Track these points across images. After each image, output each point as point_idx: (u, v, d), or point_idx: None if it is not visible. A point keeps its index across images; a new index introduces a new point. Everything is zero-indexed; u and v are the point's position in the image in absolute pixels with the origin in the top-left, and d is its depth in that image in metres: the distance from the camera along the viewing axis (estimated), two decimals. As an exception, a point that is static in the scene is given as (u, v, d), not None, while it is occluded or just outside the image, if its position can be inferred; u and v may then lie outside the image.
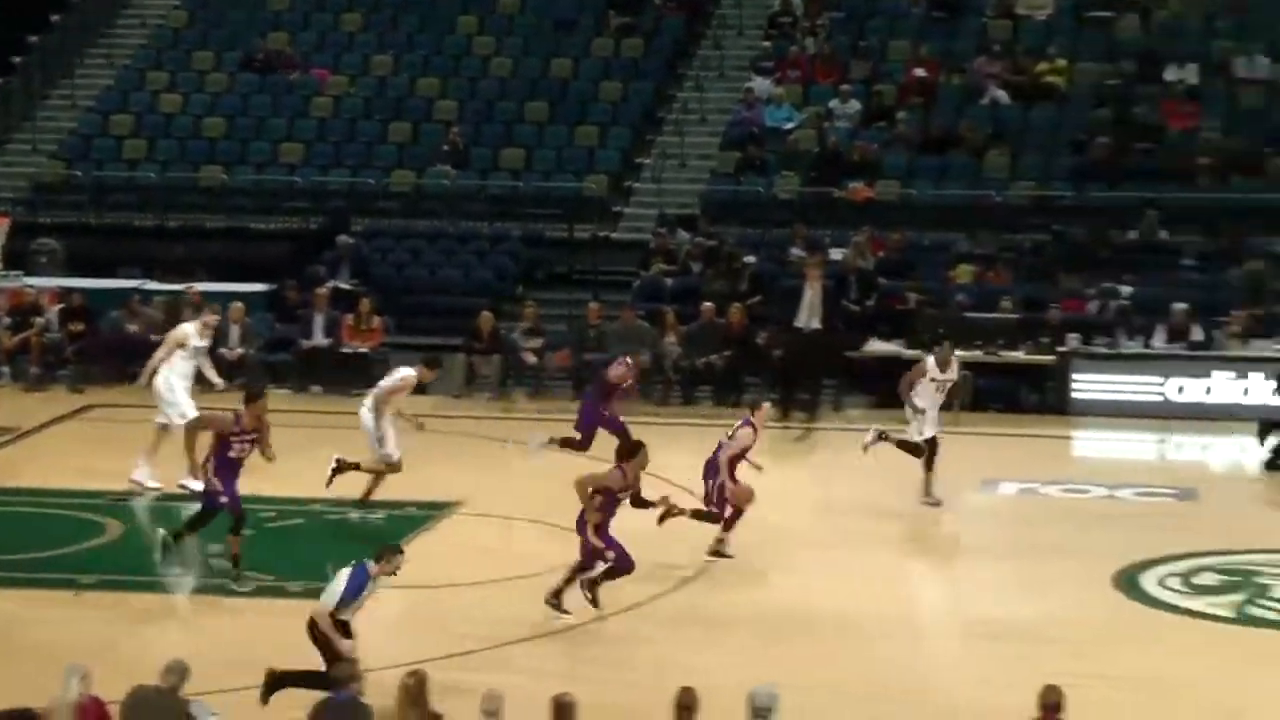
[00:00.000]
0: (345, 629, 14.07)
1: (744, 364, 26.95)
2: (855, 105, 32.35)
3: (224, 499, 17.65)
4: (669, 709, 12.02)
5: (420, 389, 21.07)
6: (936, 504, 20.79)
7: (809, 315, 26.49)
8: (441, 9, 35.39)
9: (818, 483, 22.53)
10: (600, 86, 33.65)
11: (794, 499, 20.85)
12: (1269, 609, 17.57)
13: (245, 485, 17.89)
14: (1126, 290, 27.70)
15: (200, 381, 22.06)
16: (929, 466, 20.84)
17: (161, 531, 18.16)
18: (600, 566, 16.83)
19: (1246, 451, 24.04)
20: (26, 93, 34.86)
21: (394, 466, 20.16)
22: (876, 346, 27.00)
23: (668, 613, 17.13)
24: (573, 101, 33.46)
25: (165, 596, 18.02)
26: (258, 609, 17.14)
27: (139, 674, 12.61)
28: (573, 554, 16.90)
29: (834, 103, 32.41)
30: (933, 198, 30.74)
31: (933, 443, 20.87)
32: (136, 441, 21.21)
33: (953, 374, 21.40)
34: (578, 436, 20.72)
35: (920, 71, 32.63)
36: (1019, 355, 26.64)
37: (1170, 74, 31.97)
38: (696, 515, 18.78)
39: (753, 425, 18.98)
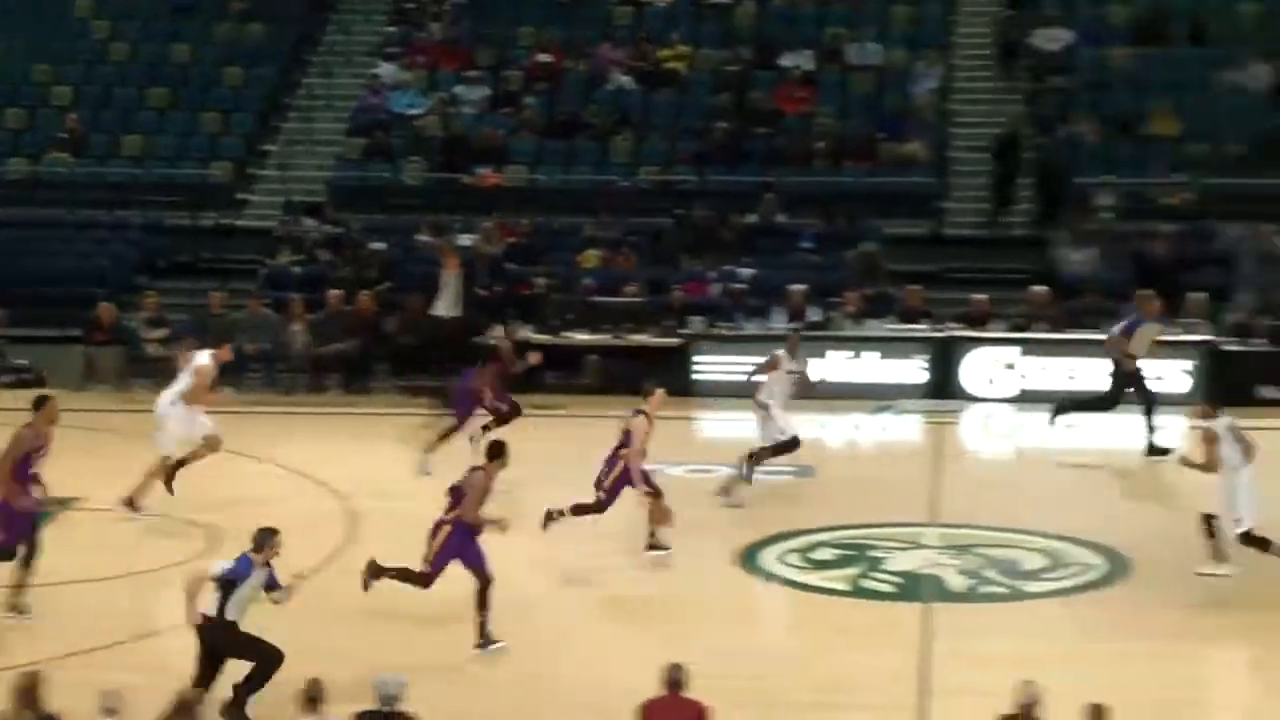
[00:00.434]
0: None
1: (372, 351, 26.91)
2: (481, 91, 32.48)
3: None
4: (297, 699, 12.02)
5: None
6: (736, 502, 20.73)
7: (450, 303, 26.59)
8: (57, -9, 34.56)
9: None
10: (223, 72, 33.18)
11: (423, 483, 20.84)
12: (882, 581, 18.19)
13: None
14: (746, 273, 28.36)
15: None
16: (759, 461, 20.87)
17: None
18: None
19: (860, 429, 24.82)
20: None
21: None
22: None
23: (298, 601, 17.00)
24: (195, 87, 32.94)
25: None
26: None
27: None
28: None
29: (460, 88, 32.48)
30: (559, 183, 31.04)
31: (796, 440, 21.02)
32: None
33: (802, 363, 21.62)
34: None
35: (545, 57, 32.89)
36: (645, 338, 27.07)
37: (787, 60, 32.74)
38: (576, 510, 18.70)
39: (645, 414, 18.80)
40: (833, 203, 29.89)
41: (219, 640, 14.10)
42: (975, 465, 24.34)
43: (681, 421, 25.37)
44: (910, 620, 16.95)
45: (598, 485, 18.71)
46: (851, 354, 26.69)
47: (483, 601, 15.86)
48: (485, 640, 15.86)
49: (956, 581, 18.18)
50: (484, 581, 15.89)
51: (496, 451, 16.40)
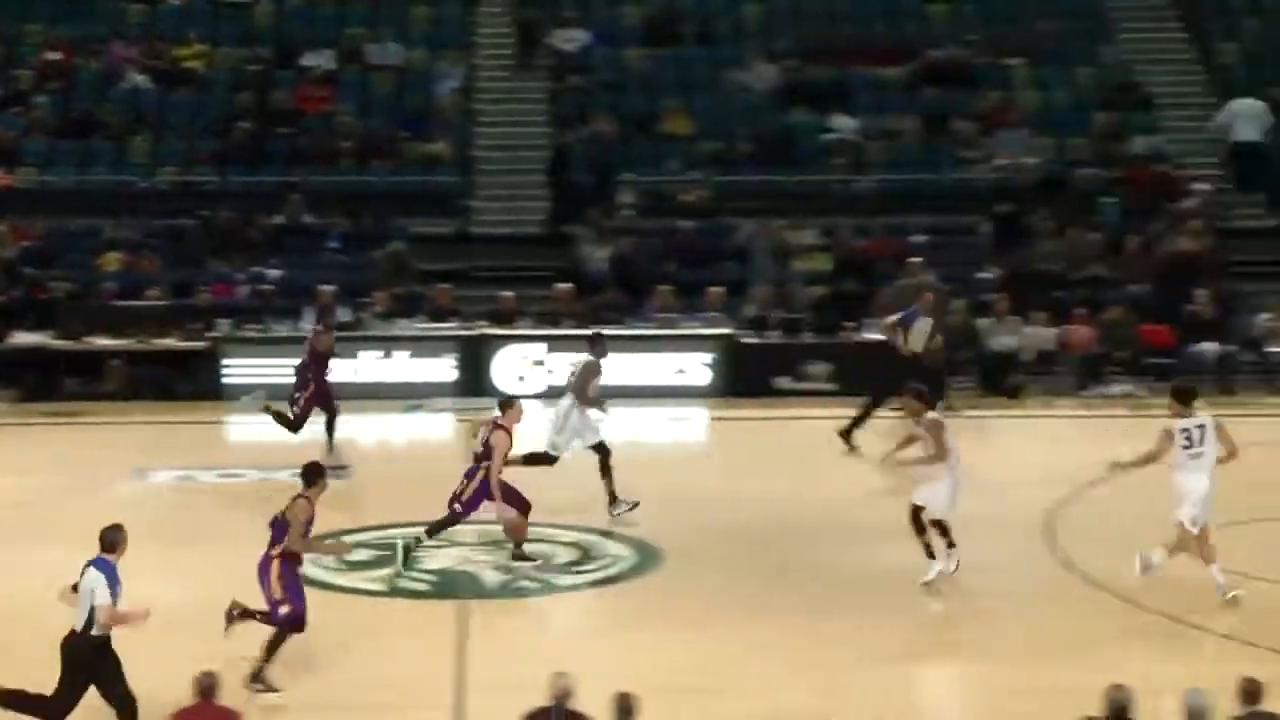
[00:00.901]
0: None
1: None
2: (-9, 90, 31.52)
3: None
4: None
5: None
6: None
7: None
8: None
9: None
10: None
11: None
12: (418, 580, 18.30)
13: None
14: (274, 274, 28.16)
15: None
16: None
17: None
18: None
19: (393, 427, 24.90)
20: None
21: None
22: (22, 338, 26.45)
23: None
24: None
25: None
26: None
27: None
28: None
29: (-36, 87, 31.46)
30: (75, 184, 30.28)
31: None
32: None
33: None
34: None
35: (54, 55, 32.03)
36: (170, 342, 26.64)
37: (307, 60, 32.61)
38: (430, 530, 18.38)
39: (504, 428, 18.30)
40: (359, 202, 29.91)
41: (83, 656, 13.49)
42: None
43: (213, 426, 25.13)
44: (446, 618, 17.10)
45: (454, 500, 18.37)
46: (382, 354, 26.77)
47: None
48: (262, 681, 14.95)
49: (491, 577, 18.41)
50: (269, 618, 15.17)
51: (315, 475, 15.40)
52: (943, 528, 17.63)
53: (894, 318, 23.84)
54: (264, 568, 15.04)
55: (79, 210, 29.72)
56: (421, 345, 26.82)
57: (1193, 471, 17.11)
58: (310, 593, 15.77)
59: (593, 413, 20.45)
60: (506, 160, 31.70)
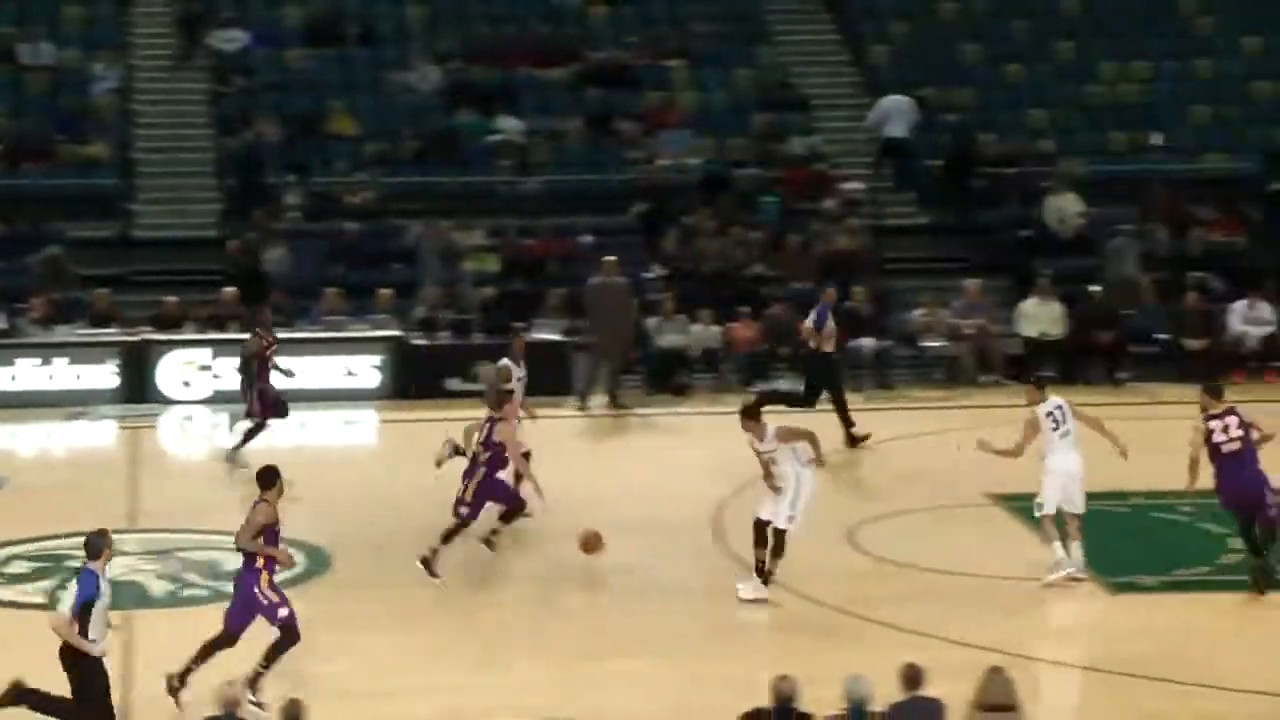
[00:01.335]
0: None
1: None
2: None
3: None
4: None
5: None
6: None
7: None
8: None
9: None
10: None
11: None
12: (81, 591, 17.91)
13: None
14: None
15: None
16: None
17: None
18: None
19: (53, 436, 24.35)
20: None
21: None
22: None
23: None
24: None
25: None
26: None
27: None
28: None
29: None
30: None
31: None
32: None
33: (523, 370, 20.78)
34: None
35: None
36: None
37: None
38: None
39: (504, 419, 18.29)
40: (13, 206, 29.17)
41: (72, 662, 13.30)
42: (174, 468, 24.27)
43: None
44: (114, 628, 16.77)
45: (458, 504, 18.17)
46: (40, 361, 26.14)
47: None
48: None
49: (157, 587, 18.12)
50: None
51: (272, 477, 15.05)
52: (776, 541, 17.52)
53: (810, 320, 24.08)
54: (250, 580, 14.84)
55: None
56: (81, 352, 26.25)
57: (1066, 450, 17.82)
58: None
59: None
60: (168, 163, 31.17)
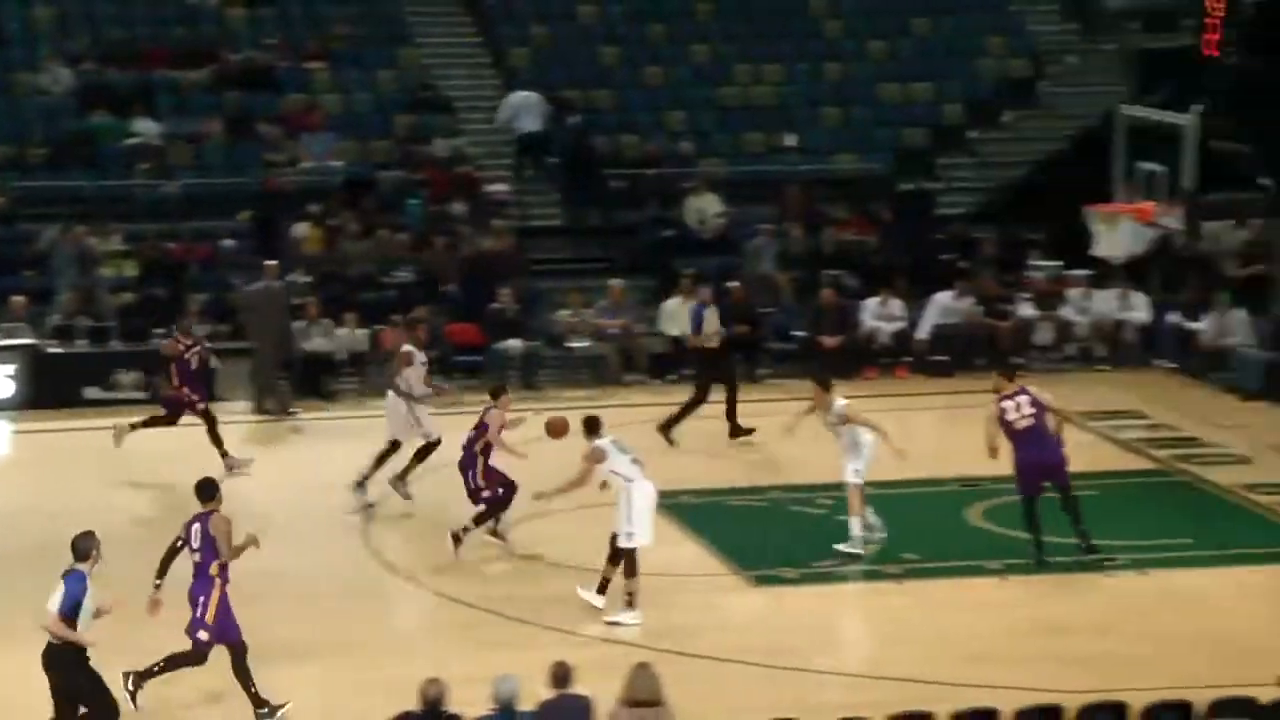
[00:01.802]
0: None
1: None
2: None
3: None
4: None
5: None
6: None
7: None
8: None
9: None
10: None
11: None
12: None
13: None
14: None
15: None
16: (421, 459, 20.67)
17: None
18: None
19: None
20: None
21: None
22: None
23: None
24: None
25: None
26: None
27: None
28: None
29: None
30: None
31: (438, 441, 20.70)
32: None
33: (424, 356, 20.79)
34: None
35: None
36: None
37: None
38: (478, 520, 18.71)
39: (498, 409, 19.07)
40: None
41: (63, 665, 13.58)
42: None
43: None
44: None
45: (475, 492, 18.80)
46: None
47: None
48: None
49: None
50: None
51: (214, 489, 15.44)
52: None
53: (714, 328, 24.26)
54: (204, 589, 15.06)
55: None
56: None
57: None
58: None
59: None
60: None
